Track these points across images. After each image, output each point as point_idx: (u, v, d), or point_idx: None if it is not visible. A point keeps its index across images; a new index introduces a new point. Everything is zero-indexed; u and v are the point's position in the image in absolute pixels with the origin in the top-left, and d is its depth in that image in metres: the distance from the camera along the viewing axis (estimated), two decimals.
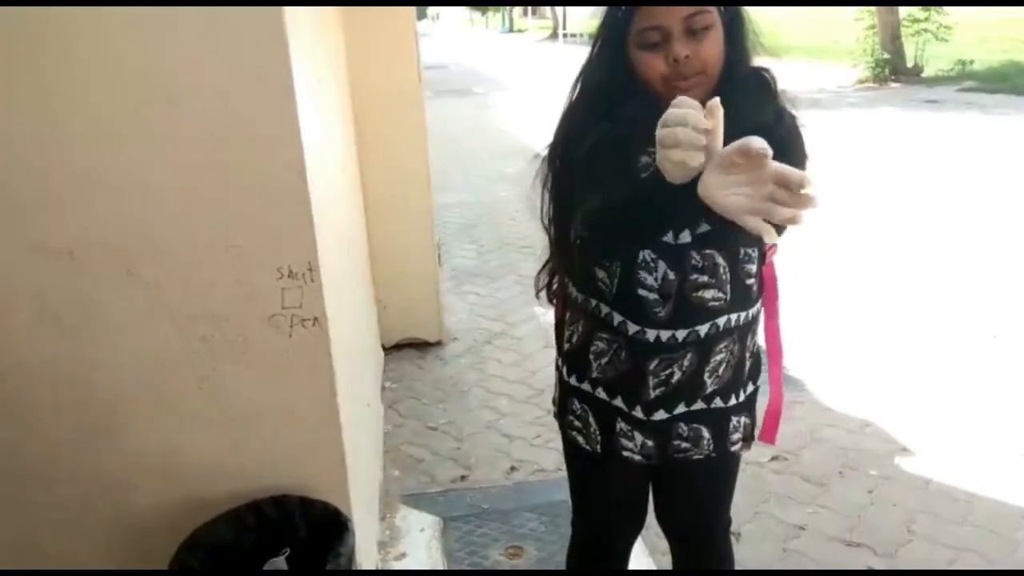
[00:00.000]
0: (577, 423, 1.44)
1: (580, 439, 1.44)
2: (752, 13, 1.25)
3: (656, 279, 1.26)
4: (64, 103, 1.28)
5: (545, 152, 1.34)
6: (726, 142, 1.18)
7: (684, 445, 1.37)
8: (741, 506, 1.52)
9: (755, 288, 1.34)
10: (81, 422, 1.45)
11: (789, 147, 1.21)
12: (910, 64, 13.81)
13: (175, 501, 1.51)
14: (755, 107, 1.21)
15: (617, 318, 1.31)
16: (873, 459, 2.68)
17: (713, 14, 1.18)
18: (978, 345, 3.53)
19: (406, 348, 3.65)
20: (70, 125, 1.29)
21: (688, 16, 1.15)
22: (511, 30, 39.74)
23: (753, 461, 2.57)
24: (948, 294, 4.15)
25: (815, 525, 2.36)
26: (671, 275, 1.25)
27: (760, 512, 2.40)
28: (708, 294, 1.27)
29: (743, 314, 1.32)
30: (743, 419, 1.41)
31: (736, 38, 1.22)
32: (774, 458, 2.65)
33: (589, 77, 1.29)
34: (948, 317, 3.86)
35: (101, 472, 1.48)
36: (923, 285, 4.29)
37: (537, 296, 1.50)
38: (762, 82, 1.26)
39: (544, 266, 1.48)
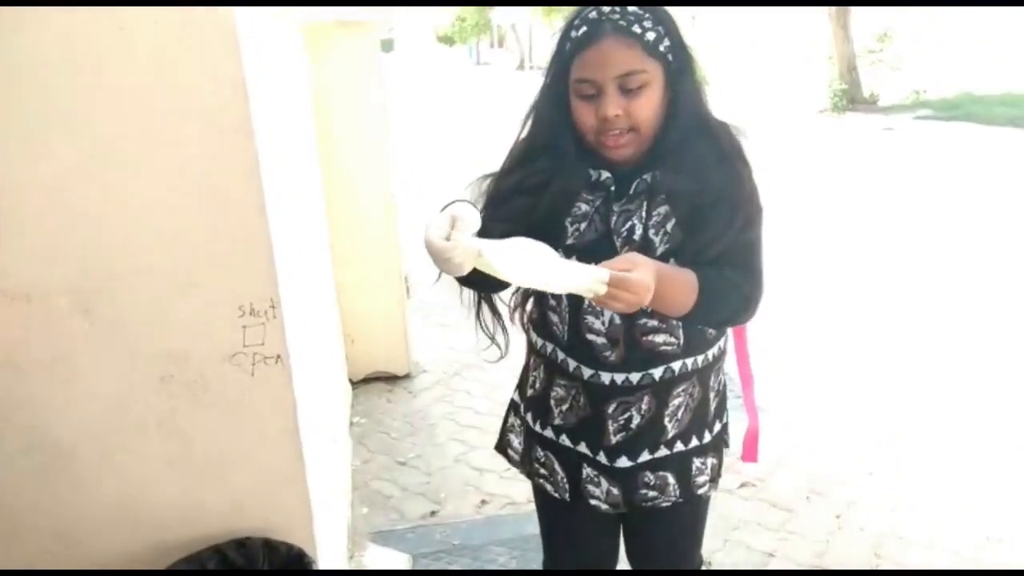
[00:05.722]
0: (543, 470, 1.42)
1: (548, 487, 1.42)
2: (700, 58, 1.24)
3: (603, 323, 1.25)
4: (18, 145, 1.26)
5: (486, 178, 1.33)
6: (678, 199, 1.22)
7: (651, 494, 1.35)
8: (711, 534, 1.52)
9: (711, 331, 1.32)
10: (37, 467, 1.41)
11: (741, 211, 1.21)
12: (866, 94, 14.21)
13: (135, 546, 1.47)
14: (699, 171, 1.20)
15: (572, 363, 1.31)
16: (839, 484, 2.70)
17: (650, 73, 1.15)
18: (941, 368, 3.60)
19: (374, 382, 3.62)
20: (24, 167, 1.27)
21: (621, 75, 1.14)
22: (478, 63, 40.20)
23: (723, 488, 2.57)
24: (910, 319, 4.23)
25: (784, 551, 2.37)
26: (617, 320, 1.24)
27: (730, 540, 2.41)
28: (659, 338, 1.26)
29: (699, 358, 1.31)
30: (709, 460, 1.39)
31: (681, 90, 1.20)
32: (743, 485, 2.66)
33: (537, 114, 1.29)
34: (912, 341, 3.93)
35: (57, 518, 1.44)
36: (885, 311, 4.37)
37: (512, 320, 1.45)
38: (706, 139, 1.23)
39: (518, 288, 1.42)
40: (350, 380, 3.48)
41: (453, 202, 1.09)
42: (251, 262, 1.37)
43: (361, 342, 3.53)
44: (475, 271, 1.05)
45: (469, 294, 1.35)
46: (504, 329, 1.39)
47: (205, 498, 1.47)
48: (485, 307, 1.37)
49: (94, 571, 1.46)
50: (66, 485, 1.43)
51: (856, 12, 14.51)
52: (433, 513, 2.63)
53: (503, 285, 1.19)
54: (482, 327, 1.38)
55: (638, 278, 1.03)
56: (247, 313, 1.38)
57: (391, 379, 3.65)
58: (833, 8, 14.10)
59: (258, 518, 1.49)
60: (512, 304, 1.43)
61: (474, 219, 1.04)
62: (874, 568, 2.28)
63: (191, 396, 1.41)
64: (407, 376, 3.68)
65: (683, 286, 1.15)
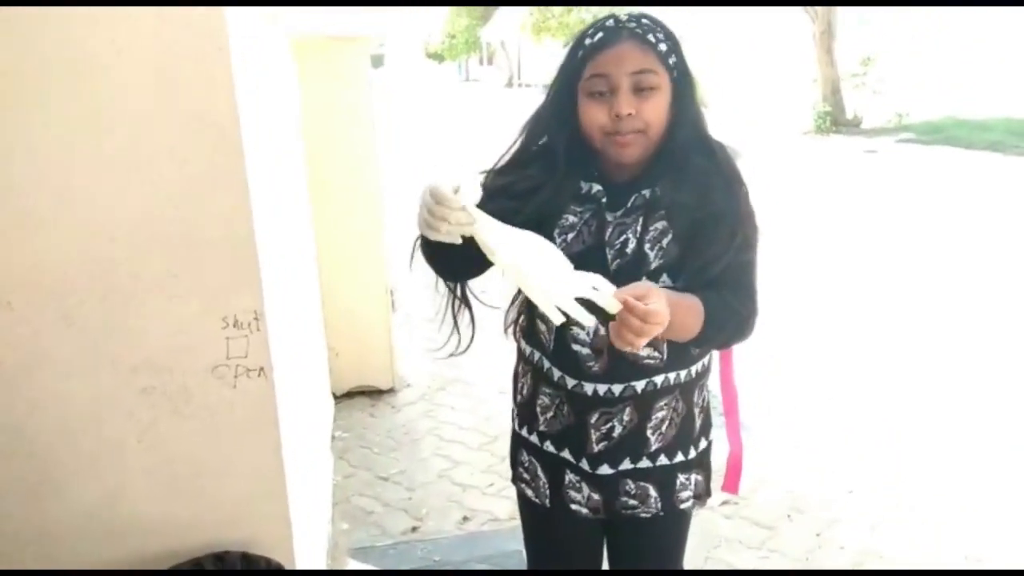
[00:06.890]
0: (526, 475, 1.44)
1: (529, 492, 1.43)
2: (699, 80, 1.27)
3: (588, 333, 1.26)
4: (2, 150, 1.26)
5: (479, 174, 1.34)
6: (679, 214, 1.23)
7: (632, 502, 1.36)
8: (693, 552, 1.53)
9: (695, 348, 1.32)
10: (14, 476, 1.39)
11: (740, 231, 1.23)
12: (850, 116, 14.40)
13: (113, 558, 1.45)
14: (700, 187, 1.22)
15: (556, 373, 1.32)
16: (819, 502, 2.71)
17: (661, 77, 1.19)
18: (922, 385, 3.63)
19: (357, 396, 3.60)
20: (8, 173, 1.27)
21: (636, 72, 1.18)
22: (467, 79, 40.45)
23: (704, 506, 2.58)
24: (893, 339, 4.27)
25: (765, 569, 2.37)
26: (602, 330, 1.24)
27: (711, 557, 2.41)
28: (643, 351, 1.27)
29: (683, 372, 1.32)
30: (694, 476, 1.39)
31: (683, 107, 1.23)
32: (724, 503, 2.67)
33: (540, 119, 1.31)
34: (894, 360, 3.96)
35: (34, 528, 1.42)
36: (868, 331, 4.41)
37: (505, 332, 1.47)
38: (706, 157, 1.25)
39: (513, 301, 1.44)
40: (333, 394, 3.47)
41: (457, 173, 1.10)
42: (236, 273, 1.37)
43: (345, 355, 3.52)
44: (448, 247, 1.07)
45: (444, 287, 1.37)
46: (473, 324, 1.39)
47: (184, 510, 1.46)
48: (460, 299, 1.39)
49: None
50: (44, 493, 1.41)
51: (840, 36, 14.74)
52: (415, 529, 2.61)
53: (472, 270, 1.21)
54: (452, 313, 1.39)
55: (657, 308, 1.04)
56: (231, 325, 1.38)
57: (374, 393, 3.63)
58: (817, 31, 14.32)
59: (237, 531, 1.48)
60: (507, 320, 1.44)
61: (477, 191, 1.06)
62: None
63: (172, 407, 1.41)
64: (391, 390, 3.66)
65: (690, 312, 1.17)
